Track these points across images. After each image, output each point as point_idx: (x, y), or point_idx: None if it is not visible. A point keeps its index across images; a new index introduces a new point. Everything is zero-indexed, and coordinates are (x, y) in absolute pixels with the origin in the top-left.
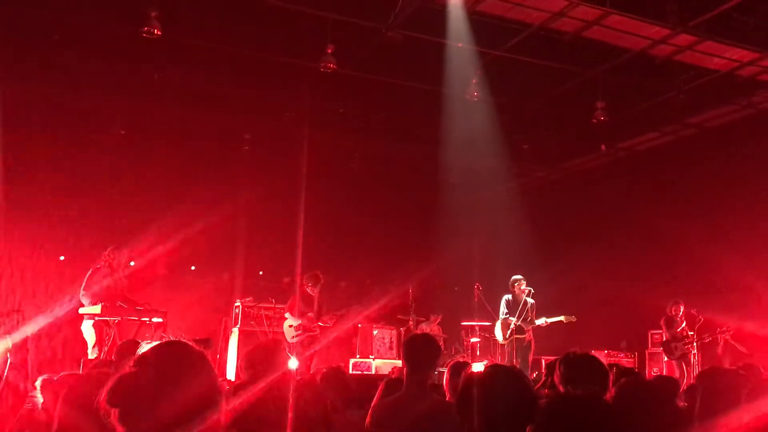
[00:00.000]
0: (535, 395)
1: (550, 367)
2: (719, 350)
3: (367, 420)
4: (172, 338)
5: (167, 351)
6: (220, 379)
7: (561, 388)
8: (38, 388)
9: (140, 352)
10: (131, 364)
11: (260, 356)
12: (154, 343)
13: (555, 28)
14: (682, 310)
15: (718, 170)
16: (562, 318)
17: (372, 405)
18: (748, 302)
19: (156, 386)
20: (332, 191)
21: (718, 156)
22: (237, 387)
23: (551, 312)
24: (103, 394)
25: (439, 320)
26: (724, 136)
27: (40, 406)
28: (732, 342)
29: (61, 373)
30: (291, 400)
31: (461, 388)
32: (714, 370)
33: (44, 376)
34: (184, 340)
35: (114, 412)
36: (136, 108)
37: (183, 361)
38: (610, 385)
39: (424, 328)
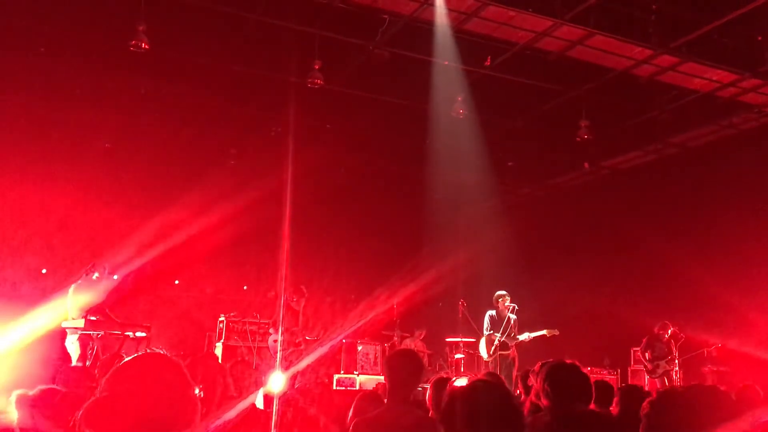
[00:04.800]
0: (520, 409)
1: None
2: (704, 368)
3: None
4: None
5: (140, 368)
6: (196, 392)
7: (544, 402)
8: (12, 403)
9: (113, 371)
10: (104, 386)
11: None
12: (128, 359)
13: (540, 48)
14: (670, 332)
15: (700, 189)
16: (544, 332)
17: (350, 421)
18: (729, 320)
19: (129, 407)
20: (317, 206)
21: (700, 175)
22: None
23: (534, 328)
24: (80, 414)
25: (423, 336)
26: (706, 156)
27: (15, 423)
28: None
29: (38, 388)
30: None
31: (445, 403)
32: (696, 387)
33: (19, 391)
34: (160, 352)
35: None
36: (122, 121)
37: (156, 378)
38: (593, 399)
39: (408, 343)
